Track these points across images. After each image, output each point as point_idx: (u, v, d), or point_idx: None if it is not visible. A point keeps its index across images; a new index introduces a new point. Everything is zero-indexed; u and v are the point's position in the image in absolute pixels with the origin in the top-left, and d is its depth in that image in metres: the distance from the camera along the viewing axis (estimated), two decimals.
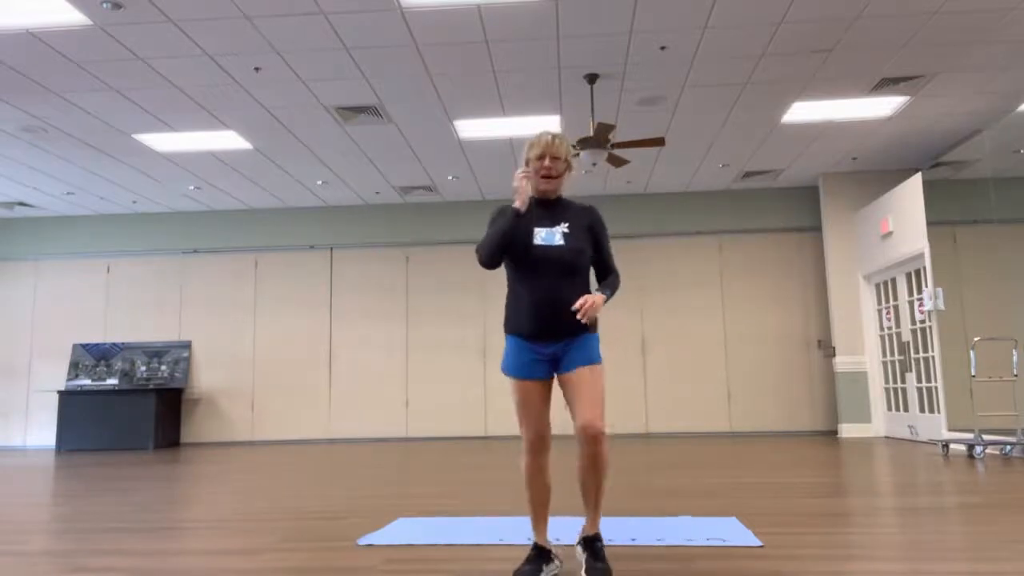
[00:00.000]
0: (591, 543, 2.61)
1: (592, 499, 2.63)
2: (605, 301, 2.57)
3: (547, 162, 2.66)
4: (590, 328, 2.64)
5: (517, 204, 2.60)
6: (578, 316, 2.48)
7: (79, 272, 10.75)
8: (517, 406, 2.64)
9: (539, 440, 2.62)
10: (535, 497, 2.65)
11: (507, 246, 2.60)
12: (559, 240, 2.60)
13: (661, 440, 9.09)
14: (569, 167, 2.73)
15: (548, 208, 2.70)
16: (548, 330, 2.59)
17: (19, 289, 10.80)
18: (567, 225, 2.66)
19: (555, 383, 2.73)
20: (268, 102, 6.90)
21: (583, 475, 2.59)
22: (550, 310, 2.58)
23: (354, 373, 10.26)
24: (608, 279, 2.73)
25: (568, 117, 7.40)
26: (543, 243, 2.59)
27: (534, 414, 2.62)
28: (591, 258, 2.71)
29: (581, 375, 2.57)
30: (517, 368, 2.63)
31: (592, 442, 2.52)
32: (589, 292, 2.66)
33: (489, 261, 2.60)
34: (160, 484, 5.60)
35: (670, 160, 8.87)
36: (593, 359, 2.60)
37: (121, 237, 10.76)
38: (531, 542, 3.12)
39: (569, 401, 2.60)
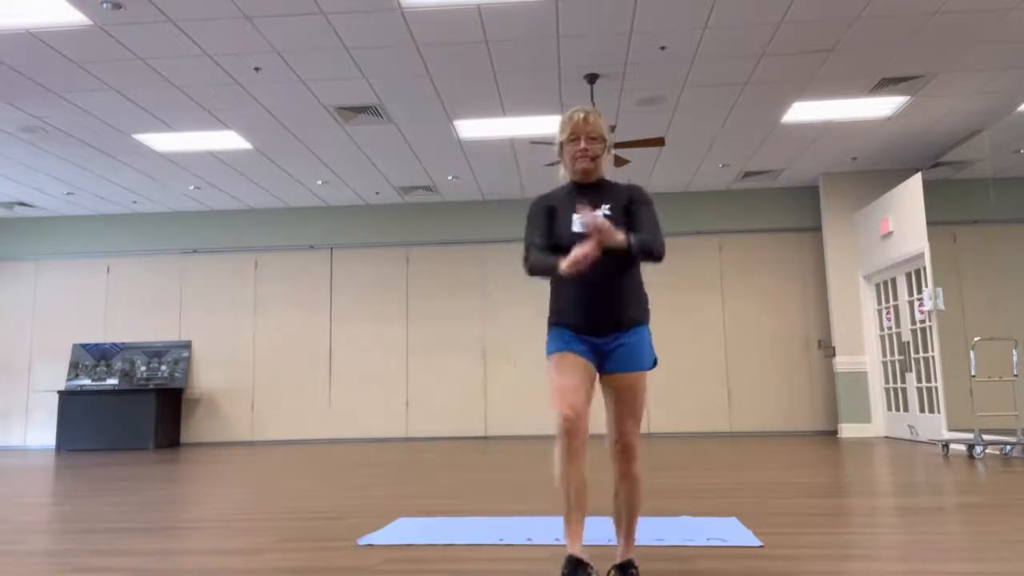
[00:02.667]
0: (625, 570, 2.33)
1: (624, 521, 2.38)
2: (630, 245, 2.29)
3: (582, 143, 2.42)
4: (641, 319, 2.40)
5: (563, 268, 2.25)
6: (582, 220, 2.21)
7: (79, 272, 10.75)
8: (554, 379, 2.34)
9: (576, 418, 2.27)
10: (571, 492, 2.28)
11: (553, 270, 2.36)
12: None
13: (661, 440, 9.09)
14: (607, 145, 2.47)
15: (588, 192, 2.47)
16: (598, 323, 2.36)
17: (19, 289, 10.80)
18: (608, 208, 2.43)
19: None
20: (268, 102, 6.90)
21: (616, 492, 2.38)
22: (595, 301, 2.36)
23: (354, 373, 10.26)
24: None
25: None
26: (583, 231, 2.33)
27: (571, 385, 2.30)
28: None
29: (626, 382, 2.35)
30: (559, 343, 2.38)
31: (624, 458, 2.34)
32: (639, 278, 2.45)
33: (536, 276, 2.42)
34: (160, 484, 5.60)
35: (670, 160, 8.86)
36: (643, 365, 2.36)
37: (121, 237, 10.76)
38: (531, 542, 3.11)
39: (608, 407, 2.39)
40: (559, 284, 2.45)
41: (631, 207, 2.45)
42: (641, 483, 2.38)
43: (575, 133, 2.42)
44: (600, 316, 2.37)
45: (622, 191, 2.49)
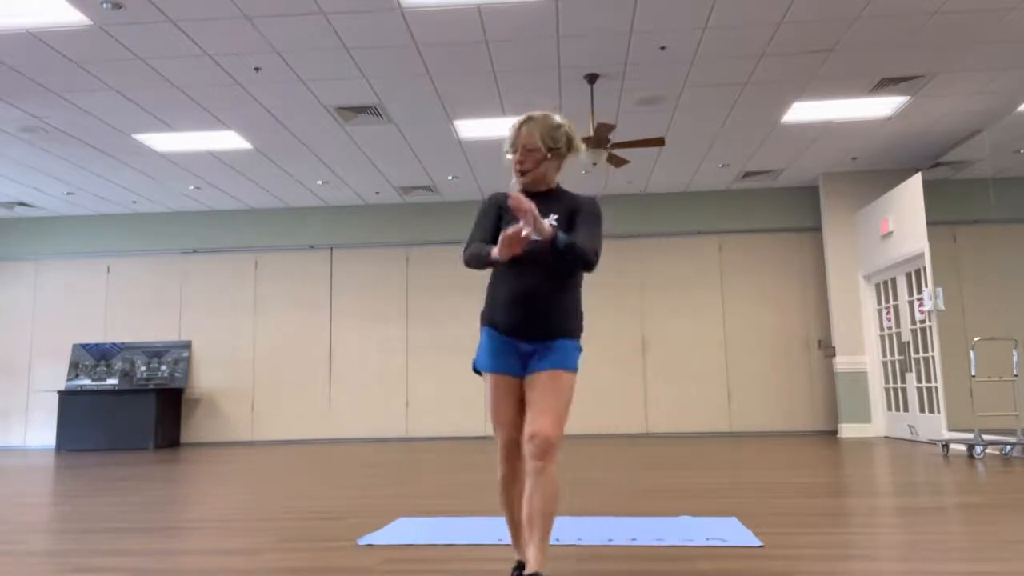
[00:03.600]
0: None
1: (536, 523, 2.19)
2: (556, 239, 2.23)
3: (519, 155, 2.40)
4: (571, 333, 2.39)
5: (495, 253, 2.24)
6: (509, 202, 2.17)
7: (79, 272, 10.75)
8: (491, 406, 2.39)
9: (515, 444, 2.37)
10: (512, 511, 2.39)
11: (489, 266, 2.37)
12: None
13: (661, 440, 9.09)
14: (553, 154, 2.40)
15: (538, 200, 2.41)
16: (525, 327, 2.34)
17: (19, 289, 10.79)
18: (555, 218, 2.39)
19: None
20: (268, 102, 6.90)
21: (528, 495, 2.23)
22: (530, 306, 2.33)
23: (354, 373, 10.26)
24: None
25: (568, 117, 7.39)
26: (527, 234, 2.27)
27: (509, 414, 2.36)
28: None
29: (545, 378, 2.30)
30: (491, 362, 2.38)
31: (536, 455, 2.22)
32: (577, 293, 2.42)
33: (473, 268, 2.41)
34: (160, 484, 5.60)
35: (670, 160, 8.86)
36: (564, 364, 2.32)
37: (121, 237, 10.76)
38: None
39: (526, 406, 2.34)
40: (495, 282, 2.44)
41: (574, 217, 2.41)
42: (556, 486, 2.24)
43: (513, 146, 2.41)
44: (529, 322, 2.34)
45: (572, 202, 2.45)
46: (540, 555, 2.17)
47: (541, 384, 2.31)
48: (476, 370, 2.47)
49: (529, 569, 2.16)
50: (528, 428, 2.26)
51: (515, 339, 2.38)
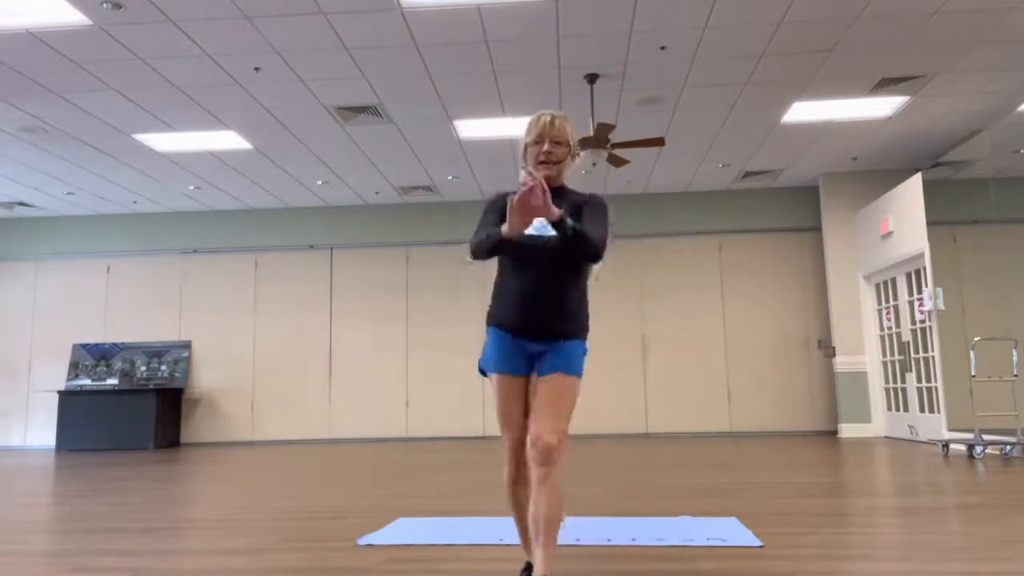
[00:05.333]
0: None
1: (541, 528, 2.20)
2: (564, 221, 2.21)
3: (546, 146, 2.38)
4: (577, 333, 2.38)
5: (506, 230, 2.25)
6: (522, 178, 2.15)
7: (79, 272, 10.75)
8: (498, 407, 2.37)
9: (522, 445, 2.34)
10: (521, 511, 2.38)
11: (497, 249, 2.36)
12: (552, 231, 2.27)
13: (661, 440, 9.09)
14: (572, 151, 2.43)
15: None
16: (531, 326, 2.33)
17: (19, 289, 10.79)
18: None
19: None
20: (268, 102, 6.90)
21: (533, 500, 2.23)
22: (536, 305, 2.33)
23: (354, 373, 10.26)
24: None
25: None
26: (534, 233, 2.31)
27: (517, 415, 2.35)
28: None
29: (550, 382, 2.30)
30: (497, 362, 2.37)
31: (540, 460, 2.21)
32: (583, 293, 2.42)
33: (480, 260, 2.39)
34: (160, 484, 5.60)
35: (670, 160, 8.86)
36: (570, 368, 2.32)
37: (121, 237, 10.76)
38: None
39: (530, 410, 2.33)
40: (500, 282, 2.44)
41: (582, 212, 2.40)
42: (558, 492, 2.23)
43: (540, 136, 2.38)
44: (536, 322, 2.34)
45: (579, 198, 2.45)
46: (547, 558, 2.18)
47: (545, 389, 2.30)
48: (482, 372, 2.45)
49: (537, 572, 2.18)
50: (531, 434, 2.25)
51: (521, 339, 2.36)
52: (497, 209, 2.46)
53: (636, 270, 10.13)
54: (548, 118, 2.38)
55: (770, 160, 8.95)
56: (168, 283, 10.64)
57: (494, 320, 2.42)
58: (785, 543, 3.03)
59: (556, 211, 2.20)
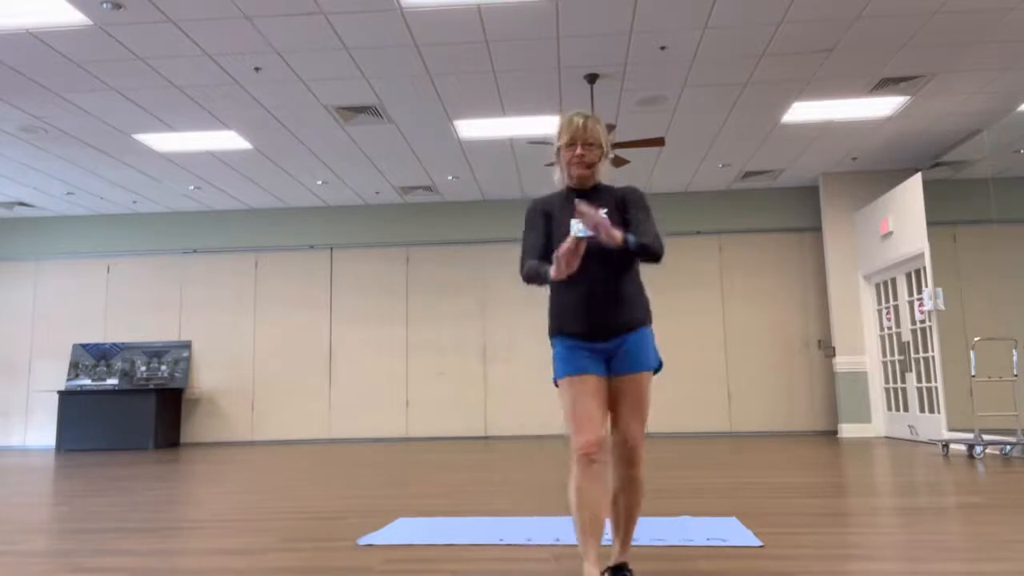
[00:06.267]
0: (620, 572, 2.40)
1: (622, 523, 2.39)
2: (628, 243, 2.27)
3: (579, 150, 2.39)
4: (644, 321, 2.38)
5: (553, 274, 2.24)
6: (577, 209, 2.17)
7: (79, 272, 10.75)
8: (568, 408, 2.31)
9: (596, 446, 2.27)
10: (594, 510, 2.25)
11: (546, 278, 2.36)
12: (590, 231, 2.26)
13: (661, 440, 9.09)
14: (604, 152, 2.44)
15: (583, 197, 2.46)
16: (599, 327, 2.33)
17: (19, 289, 10.80)
18: (604, 212, 2.40)
19: None
20: (268, 102, 6.90)
21: (615, 496, 2.38)
22: (596, 304, 2.33)
23: (354, 373, 10.26)
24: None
25: None
26: (579, 235, 2.27)
27: (588, 413, 2.29)
28: None
29: (629, 384, 2.34)
30: (570, 367, 2.34)
31: (630, 461, 2.33)
32: (639, 281, 2.43)
33: (534, 285, 2.40)
34: (160, 484, 5.60)
35: (670, 160, 8.86)
36: (647, 365, 2.35)
37: (121, 237, 10.76)
38: (531, 542, 3.11)
39: (611, 409, 2.36)
40: (558, 290, 2.42)
41: (628, 209, 2.43)
42: (643, 487, 2.38)
43: (573, 139, 2.40)
44: (601, 321, 2.34)
45: (617, 194, 2.47)
46: (626, 549, 2.41)
47: (627, 390, 2.35)
48: (557, 383, 2.43)
49: (617, 560, 2.42)
50: (619, 435, 2.34)
51: (591, 341, 2.36)
52: (538, 222, 2.48)
53: None
54: (580, 121, 2.39)
55: (770, 160, 8.95)
56: (168, 283, 10.64)
57: (558, 329, 2.41)
58: (785, 543, 3.03)
59: (619, 237, 2.22)
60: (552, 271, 2.24)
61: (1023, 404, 6.65)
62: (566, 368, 2.35)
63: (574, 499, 2.26)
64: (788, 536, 3.17)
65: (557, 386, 2.40)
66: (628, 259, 2.38)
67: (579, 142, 2.40)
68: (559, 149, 2.45)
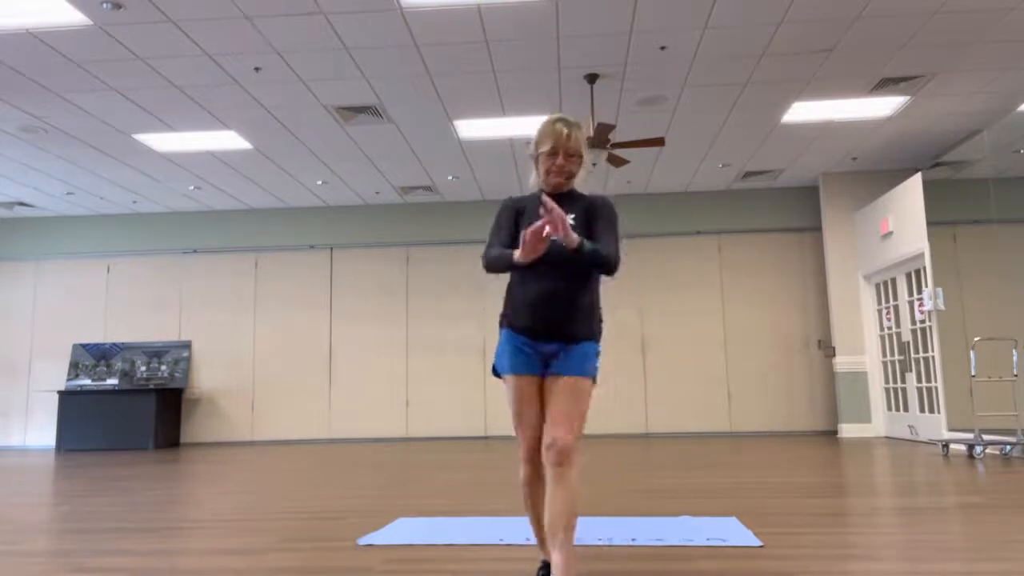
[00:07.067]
0: (545, 571, 2.38)
1: (557, 533, 2.19)
2: (581, 246, 2.25)
3: (560, 160, 2.39)
4: (590, 335, 2.40)
5: (518, 255, 2.27)
6: (542, 209, 2.16)
7: (79, 272, 10.75)
8: (513, 408, 2.39)
9: (538, 447, 2.36)
10: (537, 510, 2.41)
11: (511, 268, 2.40)
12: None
13: (661, 440, 9.09)
14: (584, 162, 2.44)
15: (558, 201, 2.44)
16: (545, 328, 2.35)
17: (19, 289, 10.79)
18: (573, 218, 2.40)
19: None
20: (268, 102, 6.90)
21: (547, 503, 2.25)
22: (549, 307, 2.34)
23: (354, 373, 10.26)
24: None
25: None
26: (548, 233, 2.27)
27: (532, 415, 2.37)
28: None
29: (564, 385, 2.32)
30: (512, 364, 2.39)
31: (556, 461, 2.23)
32: (596, 294, 2.43)
33: (494, 272, 2.42)
34: (160, 484, 5.60)
35: (670, 160, 8.86)
36: (584, 371, 2.34)
37: (121, 237, 10.76)
38: (530, 542, 3.11)
39: (546, 411, 2.35)
40: (513, 285, 2.45)
41: (590, 218, 2.42)
42: (577, 493, 2.25)
43: (555, 148, 2.38)
44: (549, 324, 2.35)
45: (588, 202, 2.46)
46: (568, 562, 2.18)
47: (560, 391, 2.32)
48: (496, 373, 2.48)
49: (546, 558, 2.31)
50: (546, 436, 2.27)
51: (536, 340, 2.38)
52: (511, 216, 2.48)
53: (636, 270, 10.13)
54: (565, 131, 2.37)
55: (770, 160, 8.95)
56: (168, 283, 10.64)
57: (508, 322, 2.44)
58: (785, 543, 3.03)
59: (575, 239, 2.23)
60: (518, 253, 2.26)
61: (1023, 404, 6.65)
62: (510, 367, 2.40)
63: (524, 498, 2.43)
64: (788, 536, 3.17)
65: (495, 375, 2.48)
66: (586, 269, 2.37)
67: (561, 151, 2.39)
68: (539, 155, 2.42)
